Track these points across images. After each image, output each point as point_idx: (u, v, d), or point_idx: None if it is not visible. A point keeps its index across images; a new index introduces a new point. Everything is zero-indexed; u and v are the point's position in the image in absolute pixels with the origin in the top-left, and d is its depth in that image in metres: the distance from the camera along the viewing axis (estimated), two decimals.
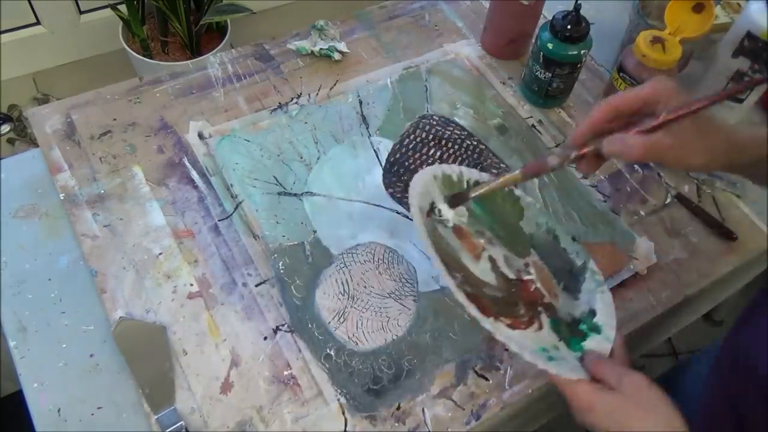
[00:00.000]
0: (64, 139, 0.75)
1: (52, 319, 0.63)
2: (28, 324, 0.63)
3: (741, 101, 0.83)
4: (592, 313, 0.59)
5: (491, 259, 0.60)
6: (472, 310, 0.50)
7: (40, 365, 0.60)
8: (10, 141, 1.39)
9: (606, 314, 0.58)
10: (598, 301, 0.60)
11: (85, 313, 0.64)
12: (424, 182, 0.59)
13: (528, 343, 0.53)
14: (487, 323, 0.51)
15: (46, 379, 0.60)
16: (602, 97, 0.83)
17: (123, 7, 1.32)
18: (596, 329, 0.57)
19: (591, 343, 0.56)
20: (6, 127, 1.39)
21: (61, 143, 0.75)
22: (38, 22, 1.37)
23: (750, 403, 0.47)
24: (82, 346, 0.62)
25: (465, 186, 0.61)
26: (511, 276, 0.60)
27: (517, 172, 0.55)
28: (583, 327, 0.57)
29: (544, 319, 0.57)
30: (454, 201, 0.60)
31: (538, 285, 0.60)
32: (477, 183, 0.62)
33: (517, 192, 0.65)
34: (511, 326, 0.54)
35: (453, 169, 0.62)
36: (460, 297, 0.50)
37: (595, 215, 0.75)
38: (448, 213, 0.60)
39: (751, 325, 0.51)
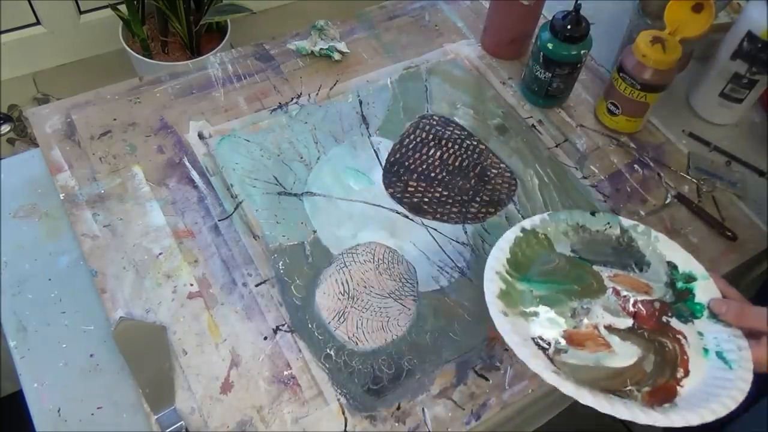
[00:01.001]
0: (64, 139, 0.75)
1: (52, 319, 0.63)
2: (28, 324, 0.63)
3: (740, 101, 0.83)
4: (672, 265, 0.52)
5: (610, 329, 0.50)
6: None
7: (40, 365, 0.60)
8: (10, 141, 1.39)
9: (675, 250, 0.51)
10: (660, 247, 0.52)
11: (85, 313, 0.64)
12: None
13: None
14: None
15: (46, 379, 0.60)
16: (602, 96, 0.83)
17: (123, 7, 1.32)
18: (689, 277, 0.50)
19: (700, 295, 0.49)
20: (6, 127, 1.39)
21: (61, 143, 0.75)
22: (38, 22, 1.37)
23: None
24: (82, 346, 0.62)
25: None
26: (629, 322, 0.49)
27: None
28: (681, 285, 0.51)
29: (675, 323, 0.50)
30: None
31: (636, 297, 0.51)
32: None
33: (525, 224, 0.56)
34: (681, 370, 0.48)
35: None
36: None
37: None
38: (548, 333, 0.51)
39: None
